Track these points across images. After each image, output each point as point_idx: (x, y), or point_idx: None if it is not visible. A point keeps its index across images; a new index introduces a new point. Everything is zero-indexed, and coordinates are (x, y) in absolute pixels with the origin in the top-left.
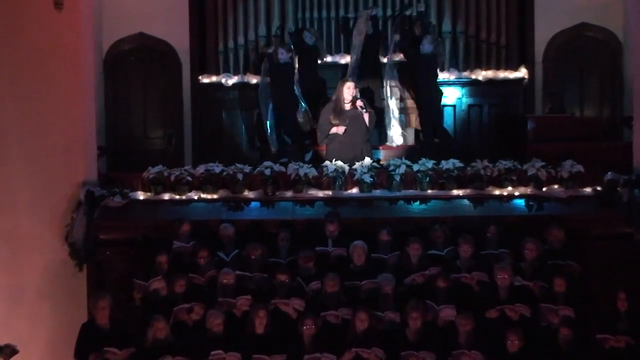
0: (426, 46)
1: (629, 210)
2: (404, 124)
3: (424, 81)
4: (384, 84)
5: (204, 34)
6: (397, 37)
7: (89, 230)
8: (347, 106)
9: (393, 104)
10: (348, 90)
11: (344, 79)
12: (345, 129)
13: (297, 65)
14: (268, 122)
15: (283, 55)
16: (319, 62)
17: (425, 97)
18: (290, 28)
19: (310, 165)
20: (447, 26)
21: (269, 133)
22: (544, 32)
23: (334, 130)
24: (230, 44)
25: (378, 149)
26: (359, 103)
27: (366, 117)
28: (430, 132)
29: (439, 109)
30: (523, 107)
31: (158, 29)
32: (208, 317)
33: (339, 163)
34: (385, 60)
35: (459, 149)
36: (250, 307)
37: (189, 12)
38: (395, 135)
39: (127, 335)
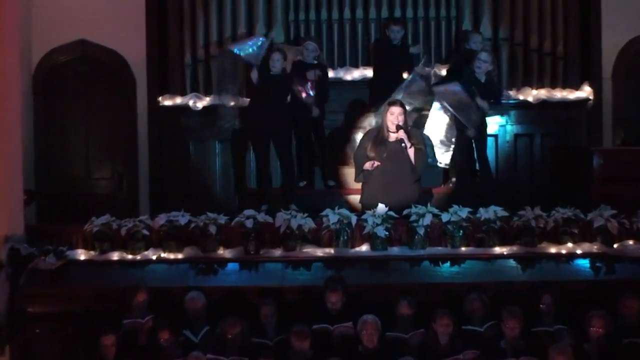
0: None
1: None
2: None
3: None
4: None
5: (165, 41)
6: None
7: (13, 301)
8: (392, 137)
9: None
10: (392, 117)
11: (389, 101)
12: (380, 166)
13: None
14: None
15: (277, 63)
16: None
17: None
18: (278, 35)
19: (305, 214)
20: (486, 31)
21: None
22: (614, 38)
23: (366, 165)
24: (200, 55)
25: (430, 192)
26: (400, 135)
27: (411, 153)
28: (468, 170)
29: (485, 138)
30: (587, 138)
31: (105, 35)
32: None
33: (382, 206)
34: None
35: (502, 193)
36: None
37: (146, 13)
38: None
39: None
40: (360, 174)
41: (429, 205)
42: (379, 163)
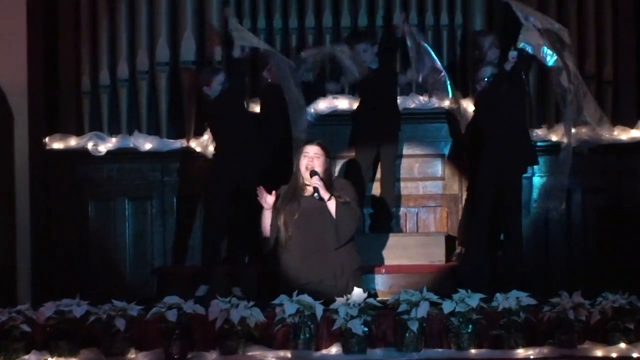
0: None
1: None
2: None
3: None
4: None
5: (55, 60)
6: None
7: None
8: (308, 190)
9: None
10: (305, 160)
11: (306, 140)
12: (292, 231)
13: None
14: None
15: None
16: None
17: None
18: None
19: (250, 302)
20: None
21: None
22: None
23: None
24: (104, 79)
25: (373, 272)
26: (314, 182)
27: (331, 206)
28: (483, 238)
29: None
30: None
31: None
32: None
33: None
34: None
35: (529, 271)
36: None
37: (27, 23)
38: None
39: None
40: (266, 242)
41: (424, 290)
42: (272, 197)
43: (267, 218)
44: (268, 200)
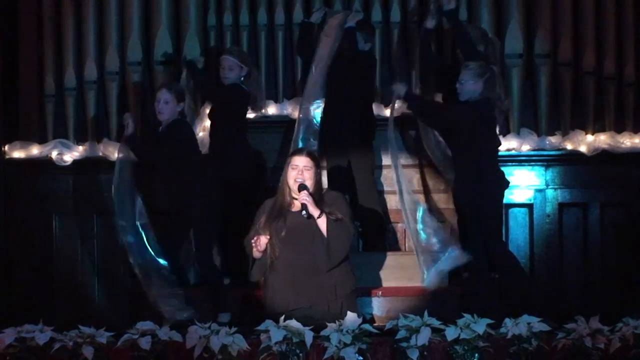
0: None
1: None
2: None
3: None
4: (393, 160)
5: (14, 59)
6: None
7: None
8: (297, 205)
9: (410, 204)
10: (294, 172)
11: (294, 150)
12: (280, 250)
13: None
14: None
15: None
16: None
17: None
18: (193, 47)
19: (233, 329)
20: (514, 44)
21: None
22: None
23: (255, 252)
24: (70, 81)
25: (369, 295)
26: (302, 198)
27: (322, 224)
28: (483, 258)
29: (500, 213)
30: None
31: None
32: None
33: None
34: (387, 112)
35: (541, 294)
36: None
37: None
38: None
39: None
40: (253, 266)
41: (425, 314)
42: (265, 239)
43: (256, 255)
44: (262, 243)
